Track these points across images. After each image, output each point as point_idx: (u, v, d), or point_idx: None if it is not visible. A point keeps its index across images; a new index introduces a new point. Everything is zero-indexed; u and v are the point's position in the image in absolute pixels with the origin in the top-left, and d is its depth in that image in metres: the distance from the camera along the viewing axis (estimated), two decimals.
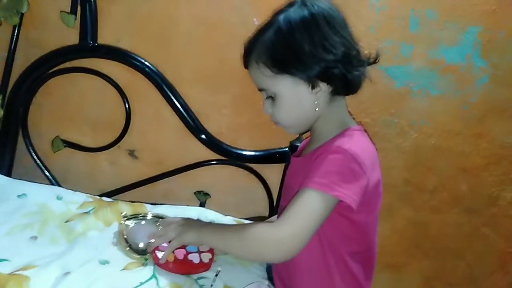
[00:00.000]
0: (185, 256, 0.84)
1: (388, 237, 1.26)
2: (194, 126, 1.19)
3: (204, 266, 0.84)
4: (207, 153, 1.21)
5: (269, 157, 1.21)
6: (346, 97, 0.83)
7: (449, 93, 1.14)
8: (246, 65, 0.82)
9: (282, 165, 1.19)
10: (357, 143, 0.76)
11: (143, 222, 0.96)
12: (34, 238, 0.91)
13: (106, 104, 1.23)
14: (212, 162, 1.22)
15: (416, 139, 1.18)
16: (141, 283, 0.80)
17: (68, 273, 0.80)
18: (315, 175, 0.72)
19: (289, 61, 0.76)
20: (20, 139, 1.24)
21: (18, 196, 1.03)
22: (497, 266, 1.29)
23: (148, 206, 1.08)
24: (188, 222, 0.85)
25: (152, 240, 0.85)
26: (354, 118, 0.86)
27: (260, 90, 0.82)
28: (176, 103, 1.17)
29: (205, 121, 1.20)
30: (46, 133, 1.26)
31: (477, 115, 1.15)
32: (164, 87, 1.17)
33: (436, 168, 1.21)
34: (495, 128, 1.16)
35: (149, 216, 0.99)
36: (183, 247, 0.84)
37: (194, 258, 0.84)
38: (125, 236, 0.91)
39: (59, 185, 1.24)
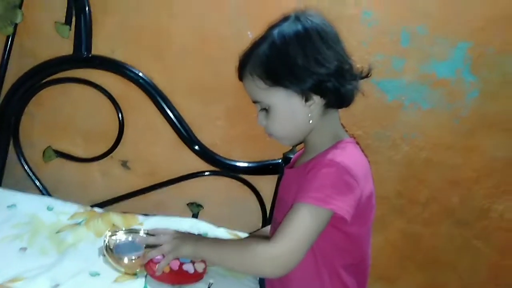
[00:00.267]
0: (180, 266, 0.84)
1: (381, 249, 1.26)
2: (187, 137, 1.19)
3: (198, 276, 0.85)
4: (200, 164, 1.21)
5: (262, 168, 1.21)
6: (339, 110, 0.84)
7: (440, 107, 1.16)
8: (241, 77, 0.83)
9: (276, 177, 1.20)
10: (350, 156, 0.77)
11: (130, 237, 0.91)
12: (24, 249, 0.90)
13: (99, 115, 1.23)
14: (205, 173, 1.22)
15: (408, 152, 1.19)
16: None
17: (57, 285, 0.79)
18: (309, 189, 0.72)
19: (283, 74, 0.77)
20: (11, 148, 1.23)
21: (8, 206, 1.03)
22: (488, 278, 1.29)
23: (140, 217, 1.08)
24: (183, 235, 0.85)
25: (135, 257, 0.84)
26: (346, 131, 0.86)
27: (254, 102, 0.83)
28: (170, 114, 1.18)
29: (199, 133, 1.20)
30: (38, 143, 1.25)
31: (468, 128, 1.17)
32: (158, 98, 1.17)
33: (428, 180, 1.22)
34: (485, 141, 1.17)
35: (142, 233, 0.93)
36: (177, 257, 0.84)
37: (189, 268, 0.84)
38: (108, 251, 0.87)
39: (50, 196, 1.22)
